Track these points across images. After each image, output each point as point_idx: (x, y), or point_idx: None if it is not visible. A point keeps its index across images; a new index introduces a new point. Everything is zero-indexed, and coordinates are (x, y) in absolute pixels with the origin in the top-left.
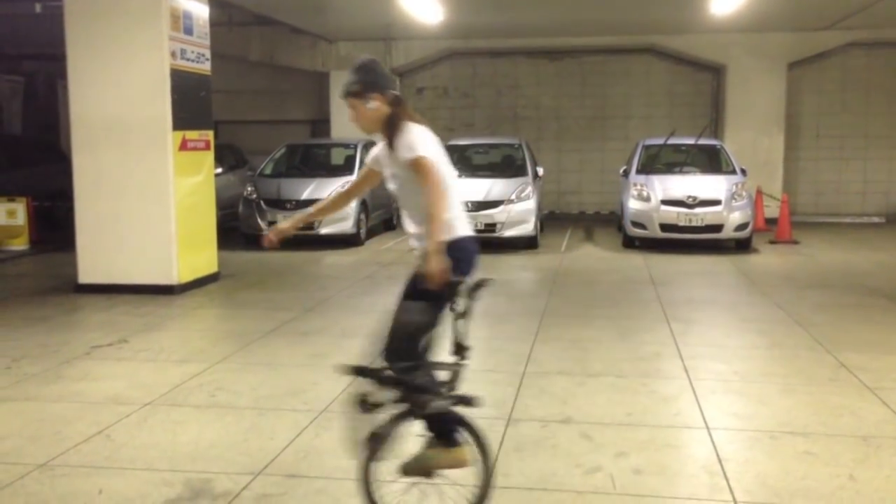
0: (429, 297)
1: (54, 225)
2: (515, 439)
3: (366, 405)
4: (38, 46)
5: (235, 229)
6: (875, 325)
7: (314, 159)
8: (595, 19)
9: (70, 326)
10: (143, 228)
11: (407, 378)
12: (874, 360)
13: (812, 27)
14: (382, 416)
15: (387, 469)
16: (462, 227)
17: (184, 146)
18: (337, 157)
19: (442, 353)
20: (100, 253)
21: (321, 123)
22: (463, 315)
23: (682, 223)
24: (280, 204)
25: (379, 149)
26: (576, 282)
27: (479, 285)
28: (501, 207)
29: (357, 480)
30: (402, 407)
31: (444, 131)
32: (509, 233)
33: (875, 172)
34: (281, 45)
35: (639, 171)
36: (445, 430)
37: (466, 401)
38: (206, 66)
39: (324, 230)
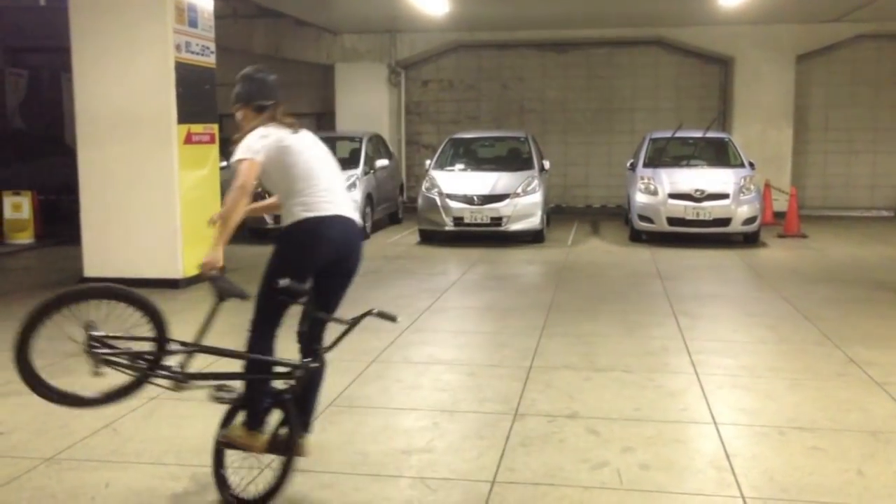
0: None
1: (59, 218)
2: (522, 434)
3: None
4: (43, 39)
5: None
6: (884, 320)
7: None
8: (602, 11)
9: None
10: (148, 222)
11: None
12: (883, 354)
13: (821, 19)
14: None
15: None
16: (317, 207)
17: (189, 140)
18: (342, 149)
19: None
20: (105, 246)
21: (326, 116)
22: (313, 309)
23: (689, 217)
24: None
25: None
26: (582, 276)
27: (357, 320)
28: (507, 201)
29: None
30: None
31: (449, 124)
32: (515, 226)
33: (884, 166)
34: (286, 38)
35: (646, 165)
36: (253, 411)
37: (279, 394)
38: (210, 59)
39: None
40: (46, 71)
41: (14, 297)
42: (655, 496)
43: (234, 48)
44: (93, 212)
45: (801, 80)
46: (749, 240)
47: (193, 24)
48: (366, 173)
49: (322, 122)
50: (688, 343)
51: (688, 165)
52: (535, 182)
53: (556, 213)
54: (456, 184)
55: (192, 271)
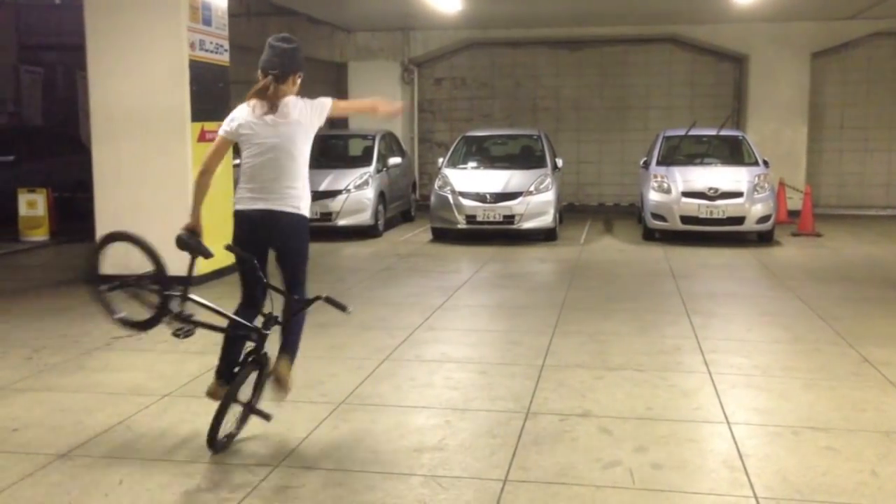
0: None
1: (74, 216)
2: (534, 433)
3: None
4: (58, 37)
5: None
6: None
7: (332, 150)
8: (616, 9)
9: (90, 317)
10: (162, 220)
11: None
12: None
13: (836, 17)
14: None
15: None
16: (240, 202)
17: (202, 137)
18: (355, 147)
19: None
20: (119, 244)
21: None
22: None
23: (703, 215)
24: None
25: None
26: (595, 274)
27: (308, 302)
28: (520, 199)
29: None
30: None
31: (462, 122)
32: (528, 224)
33: None
34: (299, 36)
35: (659, 163)
36: (223, 363)
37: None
38: (224, 57)
39: (342, 221)
40: (61, 69)
41: (29, 294)
42: (668, 496)
43: (247, 46)
44: (107, 209)
45: (815, 78)
46: (763, 238)
47: (207, 22)
48: (378, 171)
49: (335, 119)
50: (701, 342)
51: (701, 163)
52: (548, 180)
53: (569, 212)
54: (469, 182)
55: (206, 269)
